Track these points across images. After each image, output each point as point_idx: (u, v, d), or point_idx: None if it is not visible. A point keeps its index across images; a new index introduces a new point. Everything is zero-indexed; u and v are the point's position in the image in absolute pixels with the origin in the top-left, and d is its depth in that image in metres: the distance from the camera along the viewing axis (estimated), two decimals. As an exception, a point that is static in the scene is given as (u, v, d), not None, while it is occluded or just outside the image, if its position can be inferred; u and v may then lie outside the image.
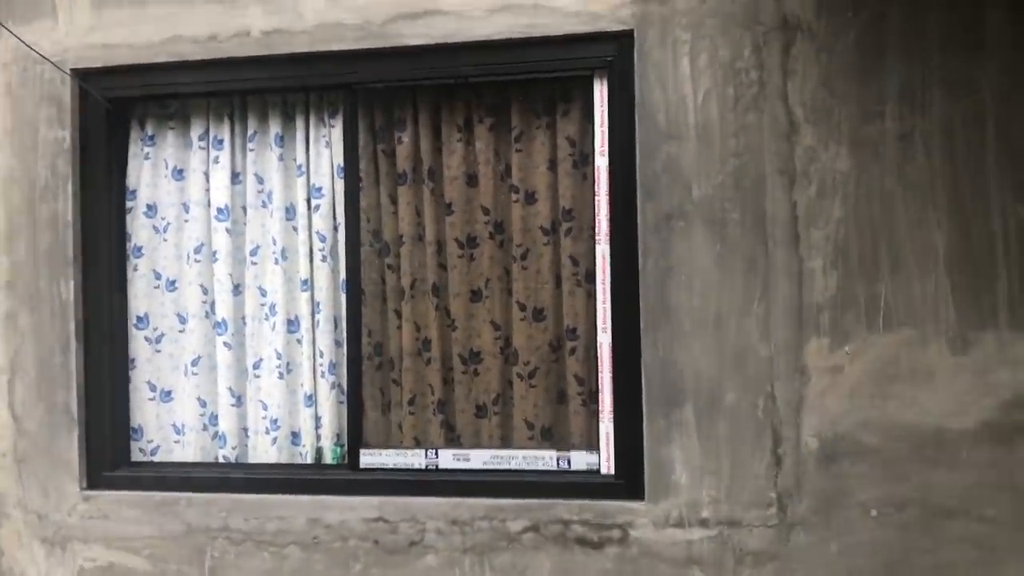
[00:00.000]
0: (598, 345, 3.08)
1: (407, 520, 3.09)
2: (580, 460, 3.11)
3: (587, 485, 3.04)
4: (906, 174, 2.83)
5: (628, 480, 3.00)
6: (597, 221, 3.08)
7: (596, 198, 3.09)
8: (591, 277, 3.15)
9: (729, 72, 2.92)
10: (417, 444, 3.27)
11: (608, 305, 3.05)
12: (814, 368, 2.87)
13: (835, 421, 2.86)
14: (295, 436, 3.39)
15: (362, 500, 3.13)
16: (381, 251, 3.33)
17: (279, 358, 3.37)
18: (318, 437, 3.36)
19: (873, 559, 2.83)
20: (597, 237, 3.08)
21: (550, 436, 3.23)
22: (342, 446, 3.32)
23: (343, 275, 3.30)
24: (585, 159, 3.19)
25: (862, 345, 2.85)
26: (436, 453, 3.19)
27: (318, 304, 3.36)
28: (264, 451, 3.38)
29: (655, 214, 2.95)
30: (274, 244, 3.38)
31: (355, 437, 3.23)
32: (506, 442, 3.25)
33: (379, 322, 3.34)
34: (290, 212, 3.39)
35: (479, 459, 3.16)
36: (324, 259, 3.35)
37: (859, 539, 2.84)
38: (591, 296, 3.16)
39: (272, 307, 3.39)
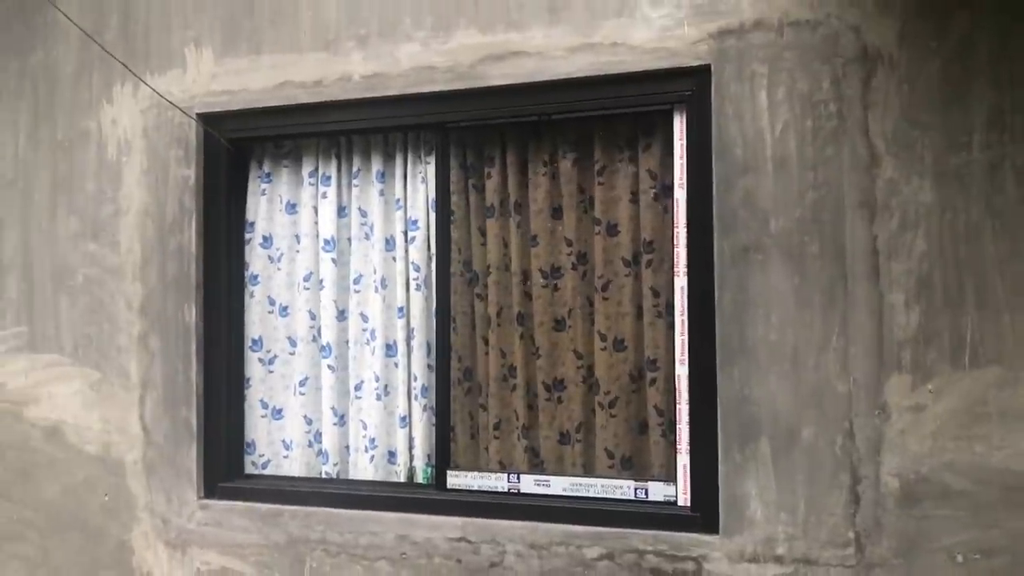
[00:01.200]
0: (676, 377, 3.10)
1: (488, 541, 3.20)
2: (657, 491, 3.13)
3: (663, 516, 3.06)
4: (994, 205, 2.72)
5: (704, 513, 3.00)
6: (675, 253, 3.11)
7: (675, 230, 3.12)
8: (671, 309, 3.18)
9: (807, 105, 2.89)
10: (502, 468, 3.38)
11: (686, 337, 3.07)
12: (895, 406, 2.79)
13: (917, 461, 2.77)
14: (391, 455, 3.57)
15: (447, 520, 3.27)
16: (471, 280, 3.48)
17: (377, 381, 3.57)
18: (411, 457, 3.53)
19: (958, 607, 2.71)
20: (676, 269, 3.11)
21: (630, 466, 3.27)
22: (433, 466, 3.47)
23: (435, 303, 3.45)
24: (666, 191, 3.23)
25: (947, 383, 2.75)
26: (519, 477, 3.29)
27: (412, 330, 3.53)
28: (363, 469, 3.57)
29: (732, 247, 2.96)
30: (375, 273, 3.59)
31: (443, 458, 3.38)
32: (587, 469, 3.31)
33: (468, 348, 3.48)
34: (389, 243, 3.59)
35: (559, 485, 3.23)
36: (419, 288, 3.52)
37: (943, 585, 2.74)
38: (671, 328, 3.19)
39: (372, 332, 3.59)
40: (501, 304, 3.43)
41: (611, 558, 3.06)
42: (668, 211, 3.22)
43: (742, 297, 2.94)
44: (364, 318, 3.62)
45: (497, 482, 3.31)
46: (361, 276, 3.64)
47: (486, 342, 3.45)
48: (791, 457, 2.88)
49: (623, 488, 3.16)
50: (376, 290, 3.58)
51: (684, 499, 3.08)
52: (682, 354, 3.09)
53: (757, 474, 2.92)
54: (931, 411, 2.76)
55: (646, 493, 3.14)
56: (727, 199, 2.96)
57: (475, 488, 3.33)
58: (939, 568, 2.74)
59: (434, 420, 3.47)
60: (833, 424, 2.84)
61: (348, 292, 3.65)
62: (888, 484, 2.79)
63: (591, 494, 3.19)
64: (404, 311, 3.54)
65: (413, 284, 3.53)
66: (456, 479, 3.35)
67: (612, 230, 3.30)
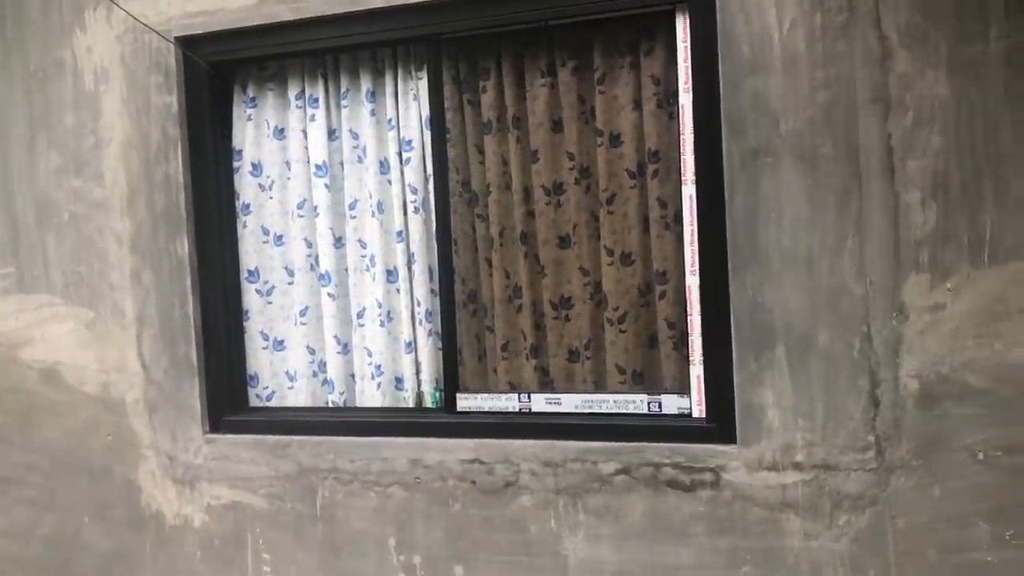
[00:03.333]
0: (687, 288, 3.03)
1: (502, 462, 3.17)
2: (671, 404, 3.10)
3: (678, 429, 3.03)
4: (1012, 96, 2.63)
5: (720, 423, 2.97)
6: (683, 161, 3.02)
7: (681, 137, 3.02)
8: (679, 219, 3.10)
9: (817, -2, 2.77)
10: (512, 388, 3.33)
11: (696, 247, 3.00)
12: (913, 306, 2.74)
13: (937, 361, 2.73)
14: (398, 381, 3.51)
15: (459, 442, 3.23)
16: (470, 201, 3.38)
17: (380, 307, 3.49)
18: (419, 382, 3.47)
19: (980, 503, 2.71)
20: (683, 178, 3.01)
21: (641, 381, 3.23)
22: (442, 390, 3.42)
23: (435, 226, 3.36)
24: (670, 98, 3.12)
25: (965, 281, 2.69)
26: (529, 397, 3.24)
27: (413, 254, 3.44)
28: (371, 396, 3.52)
29: (742, 151, 2.86)
30: (370, 198, 3.48)
31: (452, 382, 3.32)
32: (598, 386, 3.27)
33: (472, 270, 3.40)
34: (384, 166, 3.47)
35: (571, 403, 3.19)
36: (417, 210, 3.42)
37: (964, 483, 2.72)
38: (680, 239, 3.11)
39: (372, 258, 3.49)
40: (503, 224, 3.34)
41: (627, 472, 3.04)
42: (673, 117, 3.11)
43: (753, 202, 2.86)
44: (362, 244, 3.52)
45: (507, 403, 3.26)
46: (356, 201, 3.53)
47: (489, 263, 3.37)
48: (807, 363, 2.84)
49: (636, 402, 3.13)
50: (373, 215, 3.47)
51: (699, 410, 3.04)
52: (692, 264, 3.02)
53: (773, 382, 2.88)
54: (950, 310, 2.71)
55: (660, 406, 3.11)
56: (735, 101, 2.86)
57: (486, 409, 3.28)
58: (960, 467, 2.73)
59: (440, 344, 3.40)
60: (850, 328, 2.79)
61: (344, 218, 3.55)
62: (908, 386, 2.75)
63: (604, 410, 3.15)
64: (403, 235, 3.44)
65: (411, 207, 3.43)
66: (466, 401, 3.30)
67: (615, 141, 3.19)
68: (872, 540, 2.81)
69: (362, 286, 3.53)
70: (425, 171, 3.41)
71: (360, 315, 3.54)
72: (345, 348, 3.57)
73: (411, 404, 3.46)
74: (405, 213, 3.44)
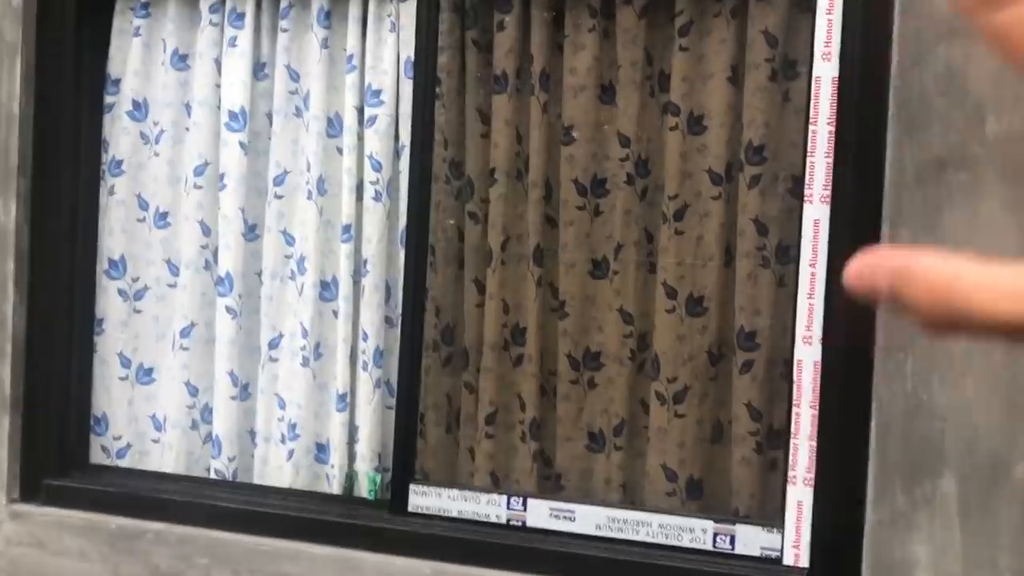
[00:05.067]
0: (795, 363, 1.97)
1: (477, 605, 2.04)
2: (751, 539, 2.01)
3: (762, 583, 1.95)
4: None
5: (832, 581, 1.90)
6: (810, 165, 1.95)
7: (811, 129, 1.96)
8: (788, 253, 2.04)
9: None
10: (495, 484, 2.22)
11: (820, 301, 1.94)
12: None
13: None
14: (320, 451, 2.37)
15: (408, 564, 2.11)
16: (462, 191, 2.28)
17: (305, 337, 2.35)
18: (352, 456, 2.33)
19: None
20: (808, 192, 1.96)
21: (699, 493, 2.14)
22: (387, 473, 2.28)
23: (403, 223, 2.24)
24: (792, 67, 2.08)
25: None
26: (524, 503, 2.12)
27: (365, 263, 2.32)
28: (276, 470, 2.37)
29: (919, 159, 1.82)
30: (308, 171, 2.35)
31: (404, 464, 2.20)
32: (631, 494, 2.18)
33: (452, 296, 2.30)
34: (334, 125, 2.35)
35: (589, 520, 2.08)
36: (377, 197, 2.30)
37: None
38: (784, 284, 2.06)
39: (301, 261, 2.36)
40: (508, 231, 2.24)
41: (675, 645, 1.94)
42: (794, 98, 2.08)
43: (929, 240, 1.81)
44: (288, 239, 2.39)
45: (489, 507, 2.14)
46: (286, 174, 2.39)
47: (481, 288, 2.26)
48: (993, 506, 1.79)
49: (695, 531, 2.03)
50: (309, 196, 2.36)
51: (793, 555, 1.96)
52: (810, 327, 1.95)
53: (932, 530, 1.82)
54: None
55: (731, 542, 2.01)
56: (915, 81, 1.83)
57: (453, 514, 2.16)
58: None
59: (392, 402, 2.27)
60: (1068, 457, 1.76)
61: (265, 197, 2.41)
62: None
63: (641, 536, 2.05)
64: (352, 232, 2.31)
65: (370, 191, 2.31)
66: (423, 498, 2.18)
67: (696, 124, 2.13)
68: None
69: (281, 302, 2.39)
70: (397, 140, 2.31)
71: (273, 344, 2.40)
72: (245, 391, 2.42)
73: (337, 490, 2.31)
74: (360, 199, 2.32)
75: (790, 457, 1.97)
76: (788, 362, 2.03)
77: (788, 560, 1.97)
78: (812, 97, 1.96)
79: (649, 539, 2.05)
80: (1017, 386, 1.78)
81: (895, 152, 1.83)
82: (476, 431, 2.25)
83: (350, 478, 2.31)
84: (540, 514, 2.11)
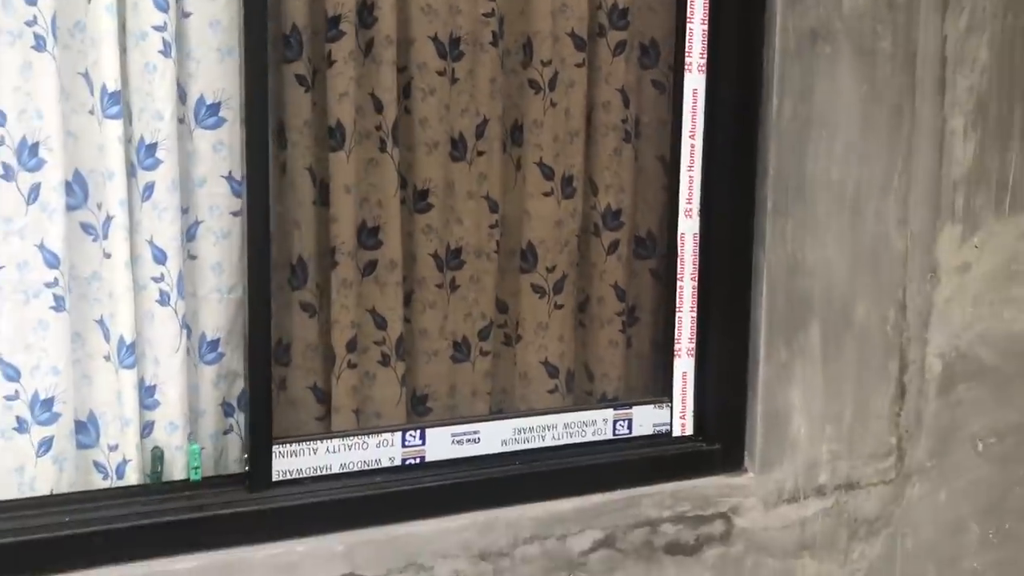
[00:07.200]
0: (678, 237, 1.93)
1: (400, 571, 1.64)
2: (645, 418, 1.96)
3: (676, 458, 1.93)
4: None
5: (725, 442, 1.97)
6: (689, 32, 1.88)
7: (686, -10, 1.88)
8: (664, 125, 1.96)
9: None
10: (357, 419, 1.78)
11: (698, 173, 1.91)
12: (945, 266, 2.14)
13: (957, 334, 2.18)
14: (81, 428, 1.60)
15: (287, 547, 1.59)
16: (290, 53, 1.67)
17: (53, 266, 1.53)
18: (146, 428, 1.62)
19: (975, 502, 2.26)
20: (687, 59, 1.88)
21: (582, 385, 2.00)
22: (241, 438, 1.67)
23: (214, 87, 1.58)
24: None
25: (988, 235, 2.19)
26: (422, 435, 1.74)
27: (144, 139, 1.57)
28: (16, 464, 1.54)
29: (799, 30, 1.88)
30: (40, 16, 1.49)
31: (262, 421, 1.61)
32: (506, 397, 1.94)
33: (280, 190, 1.70)
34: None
35: (495, 438, 1.80)
36: (166, 51, 1.56)
37: (964, 481, 2.24)
38: (662, 159, 1.98)
39: (34, 147, 1.50)
40: (356, 104, 1.72)
41: (610, 544, 1.83)
42: None
43: (805, 110, 1.92)
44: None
45: (380, 451, 1.71)
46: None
47: (314, 177, 1.72)
48: (842, 346, 2.03)
49: (596, 423, 1.91)
50: (41, 46, 1.49)
51: (680, 425, 1.98)
52: (690, 200, 1.92)
53: (804, 375, 2.00)
54: (975, 271, 2.18)
55: (629, 425, 1.94)
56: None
57: (335, 469, 1.67)
58: (963, 462, 2.22)
59: (212, 353, 1.65)
60: (887, 295, 2.07)
61: None
62: (932, 368, 2.15)
63: (547, 441, 1.86)
64: (122, 100, 1.54)
65: (156, 40, 1.55)
66: (291, 460, 1.64)
67: (556, -21, 1.87)
68: (882, 571, 2.17)
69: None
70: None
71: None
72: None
73: (131, 479, 1.60)
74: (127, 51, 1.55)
75: (675, 331, 1.96)
76: (653, 236, 2.00)
77: (676, 431, 1.98)
78: (687, -44, 1.87)
79: (555, 442, 1.86)
80: (857, 237, 2.02)
81: (782, 20, 1.87)
82: (334, 361, 1.75)
83: (157, 459, 1.62)
84: (440, 443, 1.75)
